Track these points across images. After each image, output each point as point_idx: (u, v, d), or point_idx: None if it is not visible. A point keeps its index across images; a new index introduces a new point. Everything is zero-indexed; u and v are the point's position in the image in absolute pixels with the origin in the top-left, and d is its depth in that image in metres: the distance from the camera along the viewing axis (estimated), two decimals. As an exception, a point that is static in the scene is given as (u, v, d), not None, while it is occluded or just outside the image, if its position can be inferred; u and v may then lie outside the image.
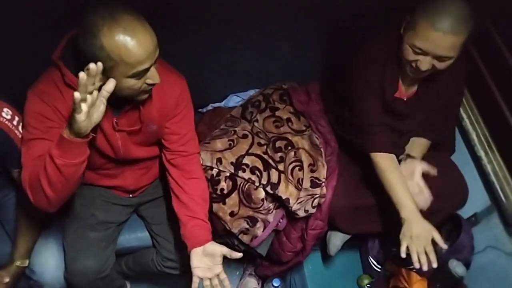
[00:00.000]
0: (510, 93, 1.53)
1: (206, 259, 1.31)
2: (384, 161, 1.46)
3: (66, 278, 1.45)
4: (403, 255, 1.34)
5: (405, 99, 1.52)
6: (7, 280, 1.33)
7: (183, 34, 1.57)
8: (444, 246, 1.36)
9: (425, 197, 1.47)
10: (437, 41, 1.27)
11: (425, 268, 1.32)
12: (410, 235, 1.35)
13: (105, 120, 1.23)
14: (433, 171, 1.50)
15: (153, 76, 1.12)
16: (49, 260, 1.43)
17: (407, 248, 1.34)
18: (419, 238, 1.34)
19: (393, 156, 1.49)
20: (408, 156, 1.55)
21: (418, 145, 1.60)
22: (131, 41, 1.02)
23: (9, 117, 1.22)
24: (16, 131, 1.24)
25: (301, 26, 1.65)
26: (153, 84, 1.15)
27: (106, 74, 1.05)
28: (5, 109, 1.22)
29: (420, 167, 1.49)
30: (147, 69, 1.09)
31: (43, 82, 1.17)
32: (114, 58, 1.03)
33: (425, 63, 1.32)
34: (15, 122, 1.23)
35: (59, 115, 1.17)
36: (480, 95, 1.67)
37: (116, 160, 1.39)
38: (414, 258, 1.33)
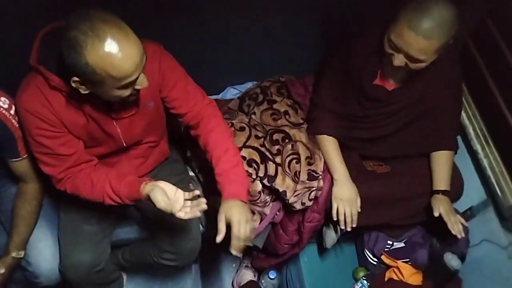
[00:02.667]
0: (507, 88, 1.53)
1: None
2: (324, 140, 1.61)
3: (61, 271, 1.45)
4: (334, 216, 1.54)
5: (389, 89, 1.52)
6: (2, 271, 1.33)
7: (180, 27, 1.56)
8: (352, 225, 1.54)
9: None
10: (408, 40, 1.26)
11: (348, 228, 1.54)
12: (340, 196, 1.54)
13: (101, 113, 1.24)
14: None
15: (141, 82, 1.11)
16: (44, 252, 1.43)
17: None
18: (346, 200, 1.53)
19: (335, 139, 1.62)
20: (435, 192, 1.58)
21: (438, 170, 1.60)
22: (116, 57, 1.00)
23: (6, 106, 1.22)
24: (13, 121, 1.23)
25: (298, 19, 1.65)
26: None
27: (92, 86, 1.06)
28: (2, 98, 1.21)
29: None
30: (136, 79, 1.08)
31: (27, 91, 1.16)
32: (100, 74, 1.02)
33: (397, 59, 1.33)
34: (12, 112, 1.23)
35: (56, 123, 1.18)
36: (477, 90, 1.68)
37: (115, 150, 1.38)
38: (341, 218, 1.53)
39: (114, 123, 1.28)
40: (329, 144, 1.60)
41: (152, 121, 1.37)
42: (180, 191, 1.21)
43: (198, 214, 1.21)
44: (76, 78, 1.06)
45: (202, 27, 1.59)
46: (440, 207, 1.51)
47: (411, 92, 1.51)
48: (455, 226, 1.49)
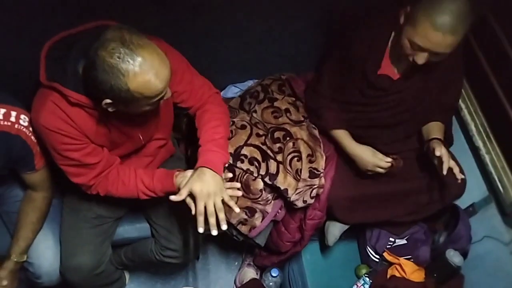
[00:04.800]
0: (509, 84, 1.53)
1: None
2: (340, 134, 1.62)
3: (62, 274, 1.45)
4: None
5: (394, 79, 1.51)
6: (5, 283, 1.33)
7: (181, 25, 1.56)
8: (388, 159, 1.55)
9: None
10: (436, 41, 1.27)
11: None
12: (366, 168, 1.59)
13: (121, 119, 1.25)
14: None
15: (167, 94, 1.14)
16: (46, 253, 1.43)
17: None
18: (372, 167, 1.56)
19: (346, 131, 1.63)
20: (434, 139, 1.52)
21: (433, 128, 1.59)
22: (154, 81, 1.05)
23: (26, 124, 1.22)
24: (33, 137, 1.24)
25: (299, 16, 1.64)
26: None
27: (125, 106, 1.11)
28: (22, 116, 1.22)
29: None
30: (165, 95, 1.13)
31: (45, 109, 1.15)
32: (137, 97, 1.07)
33: (421, 58, 1.33)
34: (31, 129, 1.23)
35: (79, 136, 1.19)
36: (479, 86, 1.67)
37: (132, 150, 1.40)
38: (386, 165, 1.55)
39: (135, 127, 1.31)
40: (343, 136, 1.61)
41: (163, 116, 1.39)
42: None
43: (239, 193, 1.29)
44: (109, 101, 1.09)
45: (203, 26, 1.59)
46: (442, 149, 1.44)
47: (415, 81, 1.51)
48: (455, 168, 1.43)
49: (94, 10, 1.36)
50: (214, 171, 1.22)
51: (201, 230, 1.19)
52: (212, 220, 1.18)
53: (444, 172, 1.41)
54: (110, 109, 1.13)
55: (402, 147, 1.66)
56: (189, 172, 1.24)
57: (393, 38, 1.46)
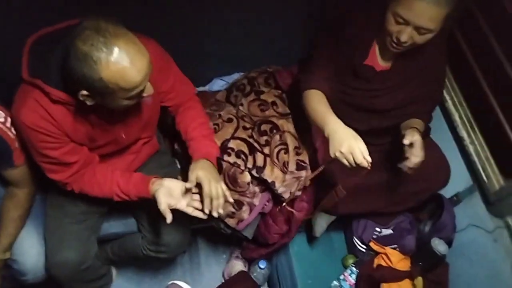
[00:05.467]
0: (493, 75, 1.54)
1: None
2: (313, 94, 1.43)
3: (47, 269, 1.43)
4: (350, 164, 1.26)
5: (377, 70, 1.51)
6: None
7: (167, 18, 1.54)
8: (368, 158, 1.24)
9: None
10: (419, 10, 1.26)
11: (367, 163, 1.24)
12: (339, 149, 1.25)
13: (104, 119, 1.24)
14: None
15: (147, 90, 1.13)
16: (30, 250, 1.42)
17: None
18: (349, 146, 1.24)
19: (323, 94, 1.43)
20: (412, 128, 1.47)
21: (415, 122, 1.56)
22: (130, 71, 1.02)
23: (2, 119, 1.20)
24: (9, 133, 1.22)
25: (285, 9, 1.64)
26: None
27: (102, 98, 1.08)
28: None
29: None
30: (144, 88, 1.11)
31: (25, 106, 1.13)
32: (112, 87, 1.04)
33: (405, 34, 1.32)
34: (8, 124, 1.21)
35: (59, 134, 1.18)
36: (463, 77, 1.69)
37: (116, 150, 1.39)
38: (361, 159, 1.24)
39: (118, 126, 1.29)
40: (316, 97, 1.42)
41: (150, 116, 1.38)
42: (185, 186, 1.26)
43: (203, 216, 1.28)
44: (85, 92, 1.07)
45: (188, 19, 1.57)
46: (415, 136, 1.40)
47: (398, 73, 1.51)
48: (414, 159, 1.39)
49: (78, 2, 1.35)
50: (212, 163, 1.33)
51: (207, 211, 1.26)
52: (216, 203, 1.26)
53: (408, 163, 1.38)
54: (88, 102, 1.10)
55: (385, 138, 1.67)
56: (166, 180, 1.26)
57: (380, 26, 1.44)
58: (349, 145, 1.23)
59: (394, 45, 1.38)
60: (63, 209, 1.45)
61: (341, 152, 1.24)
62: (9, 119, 1.22)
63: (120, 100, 1.10)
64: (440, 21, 1.30)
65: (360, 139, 1.26)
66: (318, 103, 1.40)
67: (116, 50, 0.99)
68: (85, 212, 1.47)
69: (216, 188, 1.25)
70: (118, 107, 1.14)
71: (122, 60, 1.00)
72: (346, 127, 1.29)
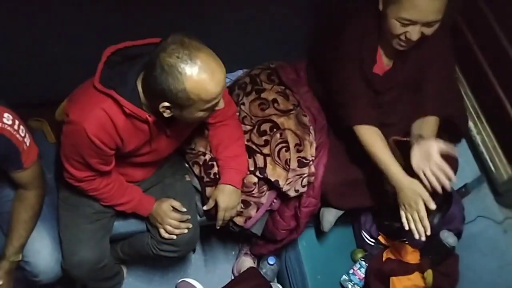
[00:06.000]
0: (499, 64, 1.53)
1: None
2: (367, 133, 1.45)
3: (65, 270, 1.45)
4: (406, 226, 1.38)
5: (381, 74, 1.50)
6: (0, 283, 1.33)
7: (170, 16, 1.53)
8: (432, 206, 1.34)
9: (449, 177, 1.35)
10: (424, 7, 1.25)
11: (422, 238, 1.35)
12: (403, 203, 1.36)
13: (159, 132, 1.29)
14: (452, 150, 1.39)
15: (220, 104, 1.18)
16: (42, 251, 1.42)
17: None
18: (410, 206, 1.35)
19: (376, 128, 1.46)
20: (420, 136, 1.41)
21: (426, 124, 1.48)
22: (210, 82, 1.08)
23: (10, 122, 1.20)
24: (18, 136, 1.22)
25: (288, 4, 1.62)
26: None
27: (180, 110, 1.13)
28: (6, 114, 1.19)
29: (436, 146, 1.34)
30: (219, 101, 1.16)
31: (93, 115, 1.16)
32: (193, 98, 1.09)
33: (415, 32, 1.31)
34: (16, 127, 1.21)
35: (113, 145, 1.23)
36: (469, 67, 1.67)
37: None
38: (411, 227, 1.36)
39: (165, 140, 1.34)
40: (371, 137, 1.44)
41: (190, 132, 1.46)
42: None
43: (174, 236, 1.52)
44: (166, 104, 1.12)
45: (191, 16, 1.57)
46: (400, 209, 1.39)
47: (402, 69, 1.50)
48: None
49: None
50: (235, 187, 1.49)
51: (218, 227, 1.55)
52: (223, 223, 1.55)
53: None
54: (166, 114, 1.15)
55: (394, 132, 1.66)
56: (164, 205, 1.49)
57: (381, 29, 1.42)
58: (415, 202, 1.34)
59: (404, 43, 1.37)
60: (77, 209, 1.46)
61: (406, 212, 1.37)
62: (16, 122, 1.21)
63: (197, 112, 1.15)
64: (444, 9, 1.28)
65: (423, 190, 1.34)
66: (377, 148, 1.43)
67: (199, 62, 1.06)
68: (98, 212, 1.48)
69: (229, 214, 1.51)
70: (193, 120, 1.19)
71: (204, 72, 1.06)
72: (410, 180, 1.36)
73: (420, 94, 1.52)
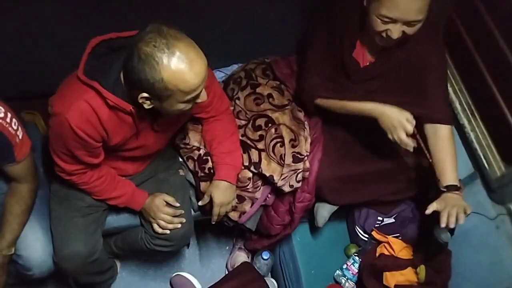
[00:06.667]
0: (493, 62, 1.53)
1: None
2: (329, 100, 1.52)
3: (56, 263, 1.45)
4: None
5: (361, 65, 1.51)
6: None
7: (164, 11, 1.53)
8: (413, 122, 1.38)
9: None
10: (405, 6, 1.25)
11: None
12: (387, 126, 1.39)
13: (145, 126, 1.27)
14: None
15: (202, 96, 1.15)
16: (34, 244, 1.42)
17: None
18: (394, 126, 1.38)
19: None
20: (448, 188, 1.43)
21: (444, 152, 1.47)
22: (189, 72, 1.05)
23: (2, 115, 1.19)
24: (10, 129, 1.21)
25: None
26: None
27: (160, 101, 1.10)
28: None
29: (469, 209, 1.41)
30: (199, 93, 1.13)
31: (76, 107, 1.14)
32: (171, 88, 1.06)
33: (395, 31, 1.31)
34: (8, 120, 1.20)
35: (98, 137, 1.22)
36: (463, 64, 1.67)
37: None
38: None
39: (153, 134, 1.33)
40: (335, 99, 1.50)
41: (182, 122, 1.45)
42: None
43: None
44: (145, 94, 1.09)
45: (185, 10, 1.56)
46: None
47: (381, 64, 1.51)
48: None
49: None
50: (230, 183, 1.49)
51: (213, 222, 1.57)
52: (218, 219, 1.56)
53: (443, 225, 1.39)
54: (146, 106, 1.13)
55: None
56: (157, 200, 1.48)
57: (362, 24, 1.43)
58: (399, 120, 1.36)
59: (385, 41, 1.37)
60: (69, 203, 1.45)
61: (394, 127, 1.37)
62: (9, 114, 1.21)
63: (177, 104, 1.12)
64: (426, 9, 1.28)
65: (402, 109, 1.37)
66: (344, 102, 1.48)
67: (177, 52, 1.02)
68: (90, 206, 1.47)
69: (224, 210, 1.53)
70: (173, 112, 1.16)
71: (182, 62, 1.03)
72: (383, 104, 1.39)
73: (419, 94, 1.51)
